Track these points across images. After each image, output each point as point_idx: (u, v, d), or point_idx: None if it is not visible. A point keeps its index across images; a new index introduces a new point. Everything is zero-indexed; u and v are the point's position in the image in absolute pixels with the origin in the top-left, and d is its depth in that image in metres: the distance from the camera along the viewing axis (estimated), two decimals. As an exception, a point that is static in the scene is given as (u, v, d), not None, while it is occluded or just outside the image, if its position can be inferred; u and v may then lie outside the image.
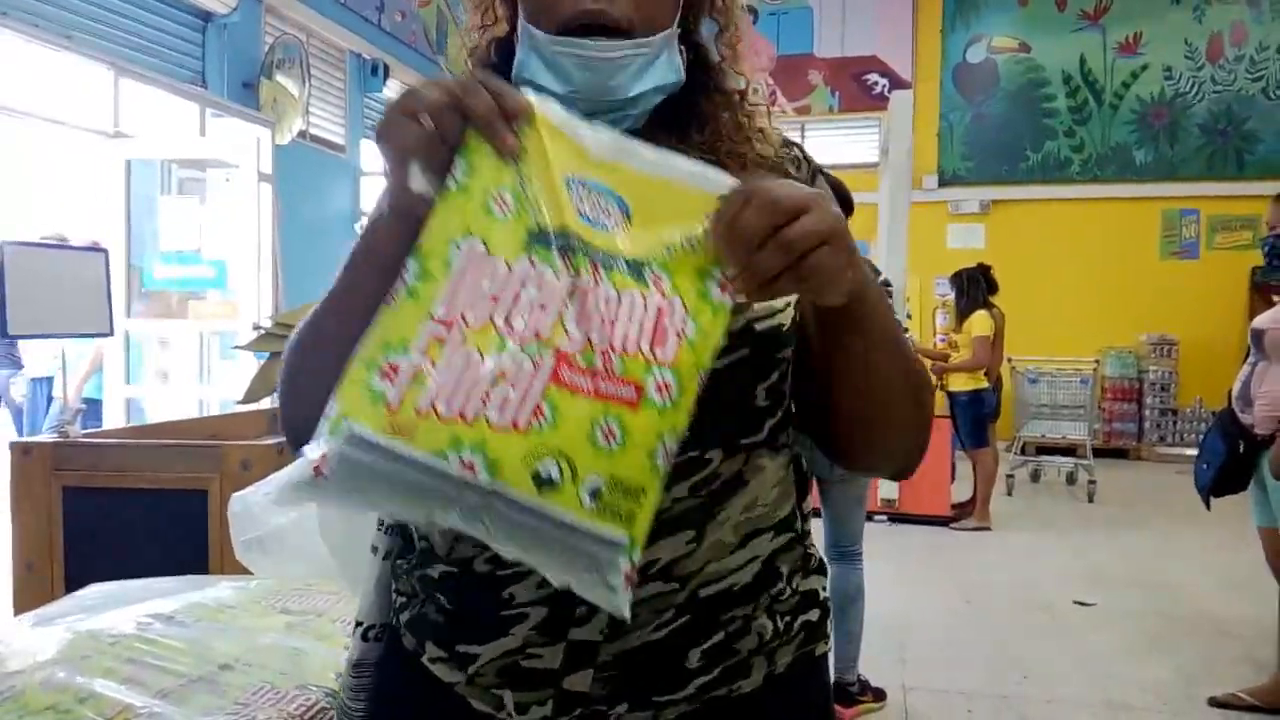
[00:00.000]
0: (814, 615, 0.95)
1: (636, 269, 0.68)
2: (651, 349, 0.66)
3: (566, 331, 0.66)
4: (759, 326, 0.84)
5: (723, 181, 0.71)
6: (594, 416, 0.65)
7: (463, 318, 0.66)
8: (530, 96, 0.72)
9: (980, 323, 6.20)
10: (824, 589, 0.96)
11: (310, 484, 0.66)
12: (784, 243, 0.67)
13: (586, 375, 0.65)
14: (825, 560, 1.00)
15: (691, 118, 0.92)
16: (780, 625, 0.91)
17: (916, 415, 0.87)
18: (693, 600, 0.84)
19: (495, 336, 0.65)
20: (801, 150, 0.99)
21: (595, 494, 0.64)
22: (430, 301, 0.66)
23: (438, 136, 0.70)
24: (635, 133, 0.88)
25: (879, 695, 3.44)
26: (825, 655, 0.97)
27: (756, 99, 0.95)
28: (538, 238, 0.67)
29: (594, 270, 0.67)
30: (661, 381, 0.66)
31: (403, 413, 0.64)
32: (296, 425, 0.95)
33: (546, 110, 0.72)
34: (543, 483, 0.64)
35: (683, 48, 0.91)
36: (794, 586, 0.92)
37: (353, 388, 0.66)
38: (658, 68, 0.87)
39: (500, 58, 0.92)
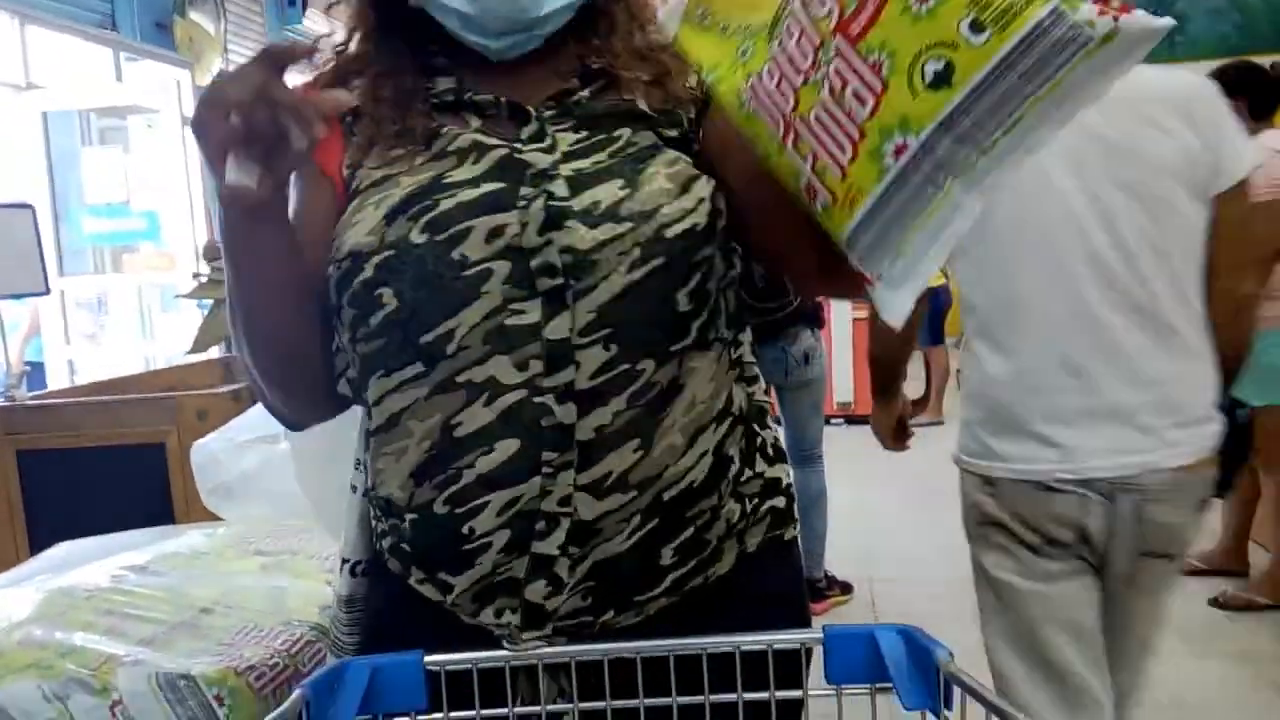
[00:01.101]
0: (780, 502, 0.97)
1: None
2: None
3: (824, 15, 0.67)
4: (670, 233, 0.84)
5: None
6: (899, 6, 0.63)
7: (785, 113, 0.71)
8: None
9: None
10: (787, 475, 0.99)
11: (878, 288, 0.71)
12: None
13: (864, 6, 0.64)
14: (791, 464, 1.02)
15: (590, 21, 0.93)
16: (748, 508, 0.93)
17: None
18: (657, 504, 0.86)
19: (807, 88, 0.69)
20: None
21: (976, 25, 0.59)
22: (773, 141, 0.72)
23: (248, 132, 0.73)
24: (536, 49, 0.90)
25: (846, 588, 3.56)
26: (795, 540, 1.00)
27: None
28: (771, 29, 0.73)
29: None
30: None
31: (838, 192, 0.69)
32: (269, 407, 0.98)
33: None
34: (940, 80, 0.61)
35: None
36: (754, 470, 0.94)
37: (823, 227, 0.72)
38: None
39: None
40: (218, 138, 0.74)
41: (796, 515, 1.00)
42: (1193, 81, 1.58)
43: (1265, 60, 3.26)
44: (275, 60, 0.74)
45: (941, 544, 4.07)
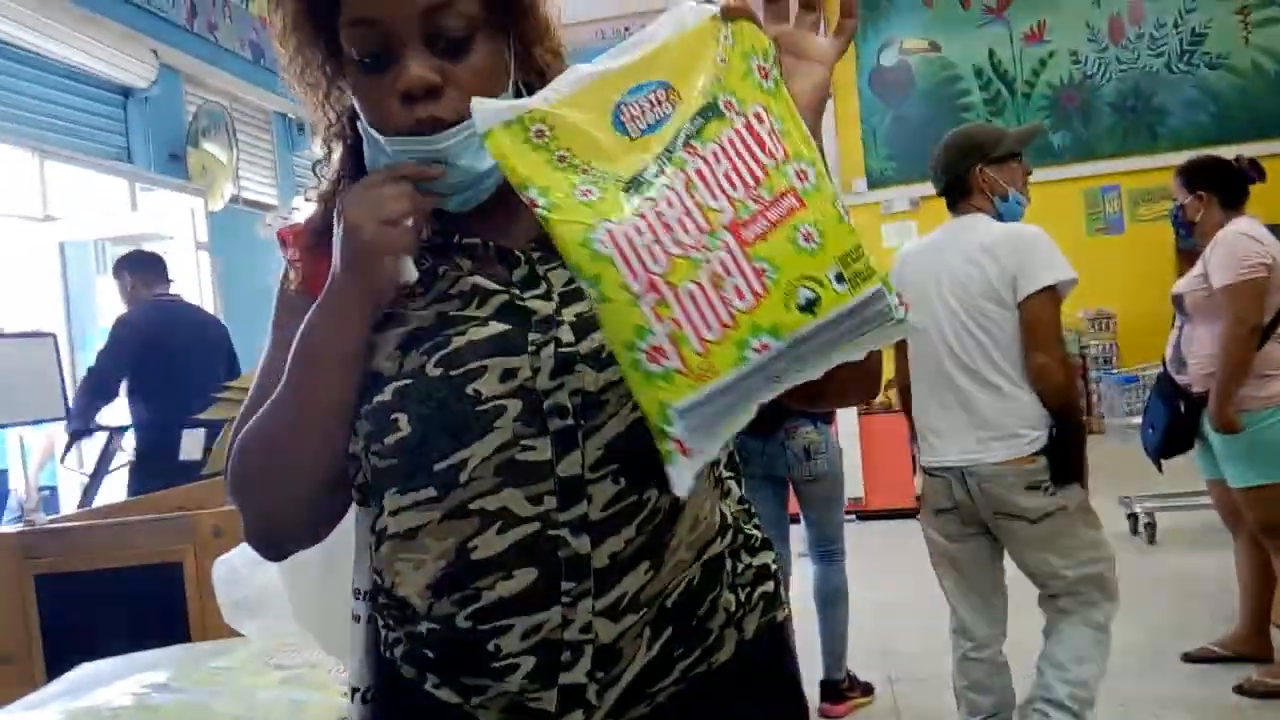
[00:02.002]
0: (769, 586, 1.02)
1: (712, 113, 0.80)
2: (771, 158, 0.78)
3: (716, 209, 0.76)
4: None
5: (705, 7, 0.84)
6: (790, 236, 0.75)
7: (654, 274, 0.74)
8: (531, 102, 0.82)
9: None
10: (773, 562, 1.03)
11: (688, 460, 0.75)
12: None
13: (757, 219, 0.76)
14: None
15: None
16: (742, 596, 0.98)
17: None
18: (663, 611, 0.91)
19: (685, 261, 0.74)
20: None
21: (840, 277, 0.75)
22: (624, 291, 0.74)
23: (416, 234, 0.86)
24: (482, 205, 0.93)
25: (867, 690, 3.49)
26: (786, 621, 1.04)
27: None
28: (631, 187, 0.77)
29: (689, 150, 0.78)
30: (799, 171, 0.78)
31: (691, 364, 0.73)
32: (267, 533, 0.97)
33: (547, 100, 0.81)
34: (809, 306, 0.74)
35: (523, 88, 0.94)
36: (744, 562, 0.99)
37: (644, 390, 0.75)
38: None
39: (355, 131, 0.96)
40: (395, 246, 0.86)
41: (786, 599, 1.05)
42: (1004, 230, 2.55)
43: (1240, 149, 3.35)
44: (407, 175, 0.87)
45: (960, 639, 4.02)
